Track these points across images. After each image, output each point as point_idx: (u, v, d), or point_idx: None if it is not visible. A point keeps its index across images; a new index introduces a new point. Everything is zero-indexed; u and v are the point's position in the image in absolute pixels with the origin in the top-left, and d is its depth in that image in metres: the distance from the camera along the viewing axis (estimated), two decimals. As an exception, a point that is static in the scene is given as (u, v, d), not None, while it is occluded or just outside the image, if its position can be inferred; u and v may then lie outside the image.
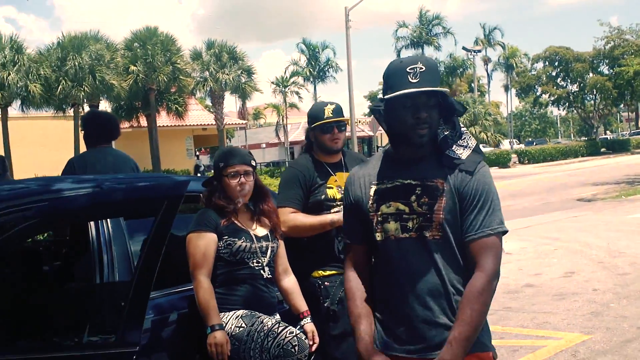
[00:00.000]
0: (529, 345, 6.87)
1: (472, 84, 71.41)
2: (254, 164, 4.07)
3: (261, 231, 4.07)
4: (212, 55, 43.38)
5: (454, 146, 2.82)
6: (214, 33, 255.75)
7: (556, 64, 68.81)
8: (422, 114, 2.69)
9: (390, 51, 70.33)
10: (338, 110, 4.60)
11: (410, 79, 2.68)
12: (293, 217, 4.43)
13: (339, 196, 4.49)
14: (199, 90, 44.36)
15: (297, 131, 70.84)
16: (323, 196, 4.50)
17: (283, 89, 66.60)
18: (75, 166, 5.62)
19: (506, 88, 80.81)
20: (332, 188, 4.54)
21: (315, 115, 4.60)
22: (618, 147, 63.88)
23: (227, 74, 42.53)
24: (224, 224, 3.88)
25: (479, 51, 69.51)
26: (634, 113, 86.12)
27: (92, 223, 3.72)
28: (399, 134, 2.79)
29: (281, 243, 4.20)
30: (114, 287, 3.63)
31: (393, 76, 2.75)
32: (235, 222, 3.95)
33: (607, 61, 64.11)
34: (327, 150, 4.60)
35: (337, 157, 4.68)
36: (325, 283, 4.44)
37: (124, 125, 40.93)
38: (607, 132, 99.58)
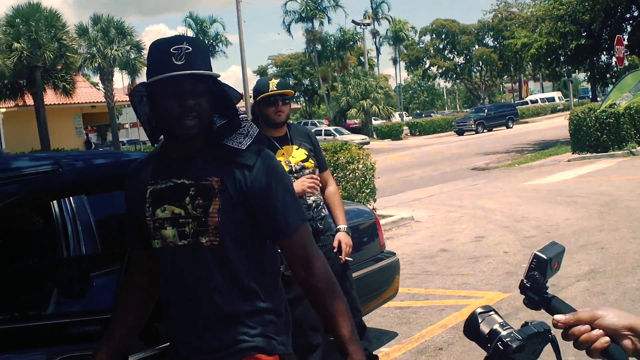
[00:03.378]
0: (453, 305, 7.16)
1: (362, 58, 72.24)
2: None
3: None
4: (99, 31, 42.29)
5: (234, 134, 2.44)
6: (96, 6, 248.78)
7: (443, 36, 70.61)
8: (189, 101, 2.30)
9: (279, 25, 70.11)
10: (282, 84, 4.70)
11: (174, 61, 2.28)
12: None
13: (286, 169, 4.57)
14: (87, 67, 43.22)
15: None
16: (271, 169, 4.57)
17: (173, 65, 65.60)
18: None
19: (394, 61, 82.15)
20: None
21: (260, 89, 4.68)
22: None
23: (116, 50, 41.60)
24: None
25: (368, 24, 70.32)
26: (517, 84, 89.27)
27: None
28: (166, 128, 2.38)
29: None
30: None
31: (155, 57, 2.36)
32: None
33: (492, 33, 66.31)
34: (272, 123, 4.68)
35: (282, 131, 4.76)
36: (278, 250, 4.51)
37: (9, 104, 39.56)
38: (490, 103, 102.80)
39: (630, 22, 31.34)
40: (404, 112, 78.22)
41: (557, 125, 40.08)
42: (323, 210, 4.81)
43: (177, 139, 2.38)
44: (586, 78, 37.49)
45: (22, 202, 3.04)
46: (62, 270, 3.79)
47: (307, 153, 4.79)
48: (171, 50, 2.30)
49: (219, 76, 2.37)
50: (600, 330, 1.50)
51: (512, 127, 52.12)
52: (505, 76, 75.84)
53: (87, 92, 47.33)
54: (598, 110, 20.85)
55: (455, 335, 6.14)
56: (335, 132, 49.54)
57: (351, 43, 72.04)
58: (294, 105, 74.09)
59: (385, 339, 6.22)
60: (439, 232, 11.34)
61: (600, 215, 11.21)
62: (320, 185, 4.73)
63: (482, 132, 50.61)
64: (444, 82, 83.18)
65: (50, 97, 41.62)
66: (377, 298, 5.84)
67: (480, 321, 1.65)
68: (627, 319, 1.51)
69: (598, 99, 32.13)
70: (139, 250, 2.57)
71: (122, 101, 46.07)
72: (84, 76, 49.54)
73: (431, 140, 47.75)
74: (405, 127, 58.80)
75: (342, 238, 4.75)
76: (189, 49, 2.30)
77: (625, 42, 27.93)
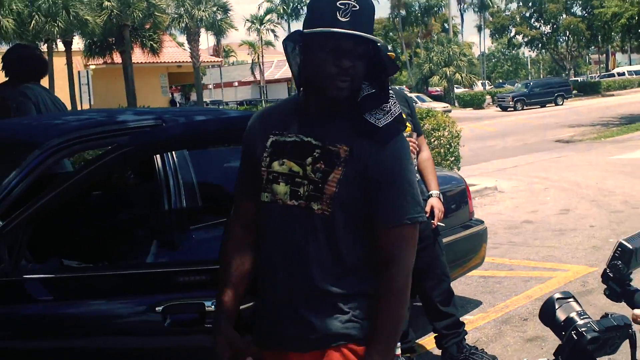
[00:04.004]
0: (538, 277, 7.11)
1: (446, 25, 71.24)
2: None
3: None
4: (188, -9, 42.85)
5: (375, 110, 2.28)
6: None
7: (530, 4, 68.85)
8: (346, 62, 2.17)
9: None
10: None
11: (339, 17, 2.14)
12: None
13: None
14: (174, 27, 43.92)
15: (271, 69, 70.57)
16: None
17: (259, 27, 66.00)
18: None
19: (479, 28, 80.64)
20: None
21: None
22: (589, 89, 64.21)
23: (204, 11, 42.07)
24: None
25: (455, -10, 69.23)
26: (604, 56, 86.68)
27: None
28: (313, 82, 2.25)
29: None
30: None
31: (319, 8, 2.21)
32: None
33: (580, 2, 64.41)
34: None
35: None
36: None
37: (98, 61, 40.50)
38: (575, 75, 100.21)
39: None
40: (486, 81, 76.99)
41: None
42: (417, 174, 4.83)
43: (324, 98, 2.24)
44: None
45: (132, 154, 3.14)
46: (163, 222, 3.92)
47: (404, 117, 4.80)
48: (337, 4, 2.15)
49: (382, 43, 2.25)
50: None
51: (562, 104, 49.10)
52: (592, 47, 73.69)
53: (173, 51, 48.04)
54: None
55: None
56: (417, 99, 49.13)
57: (436, 9, 71.08)
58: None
59: (469, 307, 6.24)
60: (523, 203, 11.22)
61: (692, 193, 10.92)
62: (417, 149, 4.75)
63: (522, 109, 47.93)
64: (529, 51, 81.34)
65: (138, 56, 42.40)
66: (463, 265, 5.84)
67: (557, 307, 1.60)
68: None
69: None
70: (246, 200, 2.43)
71: (207, 62, 46.66)
72: (171, 36, 50.28)
73: (514, 111, 46.85)
74: (488, 96, 57.83)
75: (435, 203, 4.77)
76: (356, 6, 2.16)
77: None
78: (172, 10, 42.71)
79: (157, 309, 2.97)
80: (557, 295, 1.63)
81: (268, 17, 67.13)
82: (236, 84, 71.17)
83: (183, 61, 46.31)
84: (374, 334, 2.25)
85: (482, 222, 6.15)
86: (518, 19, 69.98)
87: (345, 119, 2.27)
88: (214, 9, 42.95)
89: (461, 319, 5.05)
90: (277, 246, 2.31)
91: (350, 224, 2.25)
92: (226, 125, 3.43)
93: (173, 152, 3.80)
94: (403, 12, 68.35)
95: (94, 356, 3.10)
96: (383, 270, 2.26)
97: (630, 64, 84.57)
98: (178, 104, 45.38)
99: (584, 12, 64.16)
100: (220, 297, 2.43)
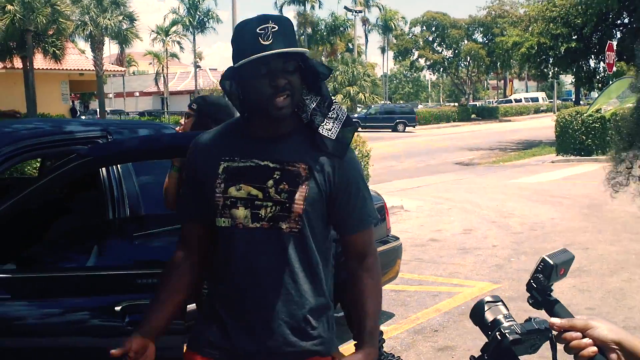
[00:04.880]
0: (446, 292, 7.51)
1: (351, 44, 72.29)
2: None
3: None
4: (93, -1, 42.23)
5: (324, 120, 2.38)
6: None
7: (433, 29, 70.85)
8: (281, 80, 2.26)
9: (271, 6, 69.89)
10: None
11: (262, 41, 2.24)
12: None
13: None
14: (79, 34, 43.16)
15: (174, 81, 70.12)
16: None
17: (164, 38, 65.54)
18: None
19: (383, 50, 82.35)
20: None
21: None
22: (487, 114, 66.41)
23: (109, 19, 41.56)
24: None
25: (360, 12, 70.37)
26: (502, 82, 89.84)
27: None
28: (257, 109, 2.33)
29: None
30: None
31: (242, 39, 2.31)
32: None
33: (481, 29, 66.82)
34: None
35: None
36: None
37: (-2, 65, 39.43)
38: (474, 99, 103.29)
39: (621, 28, 31.94)
40: (388, 102, 78.43)
41: (540, 126, 40.61)
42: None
43: (269, 120, 2.33)
44: (573, 81, 38.01)
45: (91, 164, 3.29)
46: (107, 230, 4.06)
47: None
48: (257, 30, 2.25)
49: (308, 52, 2.36)
50: (590, 340, 1.59)
51: (403, 131, 48.26)
52: (491, 73, 76.35)
53: (75, 59, 47.05)
54: (585, 115, 21.32)
55: (450, 320, 6.49)
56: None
57: (342, 29, 72.15)
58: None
59: (383, 318, 6.53)
60: (428, 223, 11.68)
61: (584, 217, 11.62)
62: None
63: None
64: (430, 74, 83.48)
65: (39, 62, 41.43)
66: (379, 279, 6.13)
67: (486, 309, 1.82)
68: (617, 334, 1.59)
69: (581, 102, 32.62)
70: (194, 222, 2.47)
71: (111, 71, 45.98)
72: (73, 43, 49.31)
73: (416, 132, 47.98)
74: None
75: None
76: (275, 27, 2.25)
77: (615, 48, 28.42)
78: (76, 17, 41.91)
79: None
80: (488, 298, 1.80)
81: (174, 28, 66.70)
82: (137, 94, 70.42)
83: (86, 69, 45.50)
84: (364, 325, 2.41)
85: (397, 238, 6.49)
86: (421, 43, 71.83)
87: (295, 137, 2.37)
88: (120, 17, 42.43)
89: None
90: (243, 270, 2.36)
91: (315, 236, 2.38)
92: (178, 141, 3.62)
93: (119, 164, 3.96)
94: (309, 30, 69.09)
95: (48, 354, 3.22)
96: (359, 263, 2.44)
97: (527, 91, 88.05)
98: (78, 113, 44.50)
99: (485, 39, 66.55)
100: (148, 310, 2.47)
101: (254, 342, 2.37)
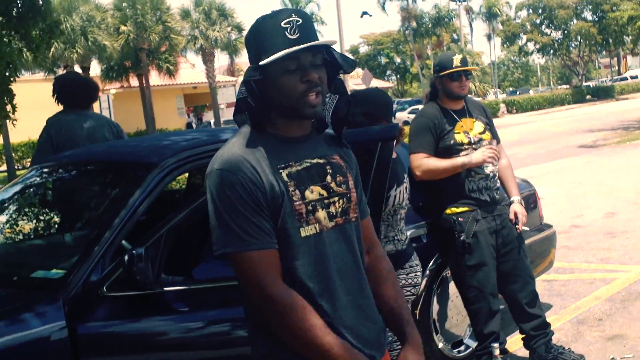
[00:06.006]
0: (600, 278, 7.21)
1: (456, 35, 71.46)
2: None
3: None
4: (201, 13, 43.31)
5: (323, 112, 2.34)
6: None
7: (540, 11, 69.00)
8: (313, 75, 2.15)
9: (372, 4, 69.56)
10: (464, 60, 4.87)
11: (289, 35, 2.13)
12: (426, 162, 4.75)
13: (466, 140, 4.80)
14: (190, 48, 44.31)
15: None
16: (452, 141, 4.80)
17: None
18: (50, 131, 5.57)
19: (489, 37, 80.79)
20: (459, 133, 4.83)
21: (444, 64, 4.85)
22: (603, 93, 64.37)
23: (218, 32, 42.49)
24: None
25: (464, 0, 69.39)
26: (615, 59, 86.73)
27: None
28: (286, 108, 2.19)
29: None
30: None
31: (266, 36, 2.17)
32: None
33: (590, 7, 64.56)
34: (455, 96, 4.87)
35: (460, 104, 4.95)
36: (459, 219, 4.77)
37: (115, 85, 40.88)
38: (586, 80, 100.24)
39: None
40: (498, 90, 77.11)
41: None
42: (498, 181, 4.98)
43: (301, 119, 2.23)
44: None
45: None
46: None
47: (483, 126, 4.96)
48: (282, 25, 2.14)
49: (335, 43, 2.20)
50: None
51: None
52: (603, 51, 73.76)
53: (187, 73, 48.42)
54: None
55: (612, 307, 6.23)
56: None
57: (446, 20, 71.25)
58: (385, 84, 73.98)
59: (541, 310, 6.34)
60: (567, 208, 11.29)
61: None
62: (497, 156, 4.89)
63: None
64: (539, 58, 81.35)
65: (154, 79, 42.80)
66: (534, 269, 5.93)
67: None
68: None
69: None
70: (273, 248, 2.16)
71: (223, 82, 46.93)
72: (184, 57, 50.67)
73: (530, 118, 46.81)
74: (502, 105, 57.90)
75: (518, 209, 4.92)
76: (299, 20, 2.15)
77: None
78: (187, 32, 43.07)
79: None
80: None
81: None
82: (248, 102, 71.38)
83: (199, 82, 46.67)
84: (400, 315, 2.40)
85: (551, 226, 6.27)
86: (529, 27, 70.07)
87: (314, 132, 2.35)
88: (229, 29, 43.33)
89: (542, 320, 5.16)
90: (333, 273, 2.23)
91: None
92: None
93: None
94: (414, 24, 68.50)
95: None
96: (370, 257, 2.46)
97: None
98: (194, 126, 45.63)
99: (595, 17, 64.26)
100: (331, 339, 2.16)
101: (370, 332, 2.31)
